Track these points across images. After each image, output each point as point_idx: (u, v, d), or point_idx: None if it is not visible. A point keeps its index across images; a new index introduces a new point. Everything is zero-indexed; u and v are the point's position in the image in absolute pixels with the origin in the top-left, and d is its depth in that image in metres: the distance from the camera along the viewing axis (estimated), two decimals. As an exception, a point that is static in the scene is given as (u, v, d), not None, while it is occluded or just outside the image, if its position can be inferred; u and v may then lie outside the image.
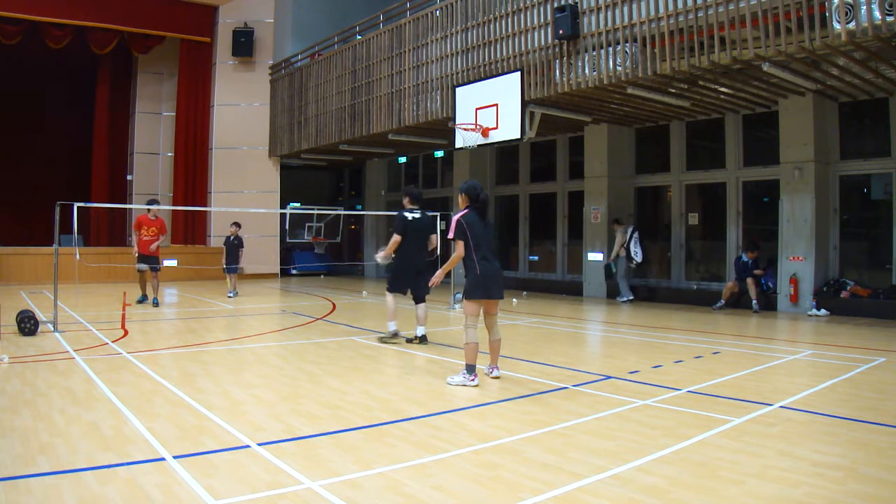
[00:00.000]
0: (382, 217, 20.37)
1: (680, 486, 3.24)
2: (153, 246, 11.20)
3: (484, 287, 5.45)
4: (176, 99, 19.27)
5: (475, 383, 5.34)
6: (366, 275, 21.16)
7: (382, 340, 7.62)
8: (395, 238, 7.35)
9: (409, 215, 7.43)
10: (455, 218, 5.52)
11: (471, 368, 5.39)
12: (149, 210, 11.36)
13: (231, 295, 13.21)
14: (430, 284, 6.22)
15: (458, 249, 5.52)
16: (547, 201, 15.80)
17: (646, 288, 13.41)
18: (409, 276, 7.50)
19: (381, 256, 7.59)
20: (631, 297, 12.86)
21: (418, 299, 7.57)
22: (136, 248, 11.28)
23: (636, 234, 12.93)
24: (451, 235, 5.52)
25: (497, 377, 5.60)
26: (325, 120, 16.44)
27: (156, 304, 11.35)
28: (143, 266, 11.29)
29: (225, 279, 13.86)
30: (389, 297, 7.57)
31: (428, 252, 7.62)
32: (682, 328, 9.14)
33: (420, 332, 7.52)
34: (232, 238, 13.45)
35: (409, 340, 7.54)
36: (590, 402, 4.93)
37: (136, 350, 6.91)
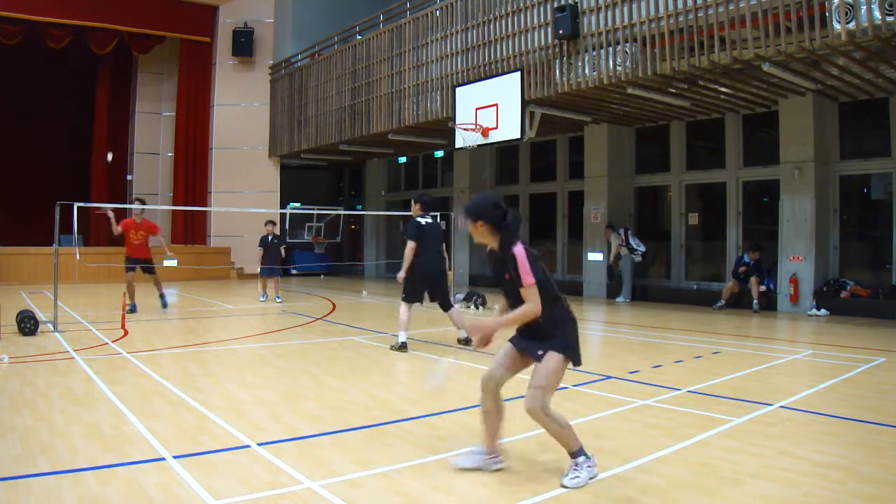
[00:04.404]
0: (382, 217, 20.37)
1: (680, 486, 3.24)
2: (138, 240, 10.23)
3: (578, 342, 3.51)
4: (176, 99, 19.27)
5: (595, 470, 3.38)
6: (366, 275, 21.16)
7: (392, 348, 7.19)
8: (410, 245, 7.08)
9: (422, 220, 7.19)
10: (521, 254, 3.32)
11: (581, 452, 3.36)
12: (133, 212, 10.54)
13: (263, 298, 12.51)
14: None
15: (535, 300, 3.33)
16: (547, 201, 15.80)
17: (646, 288, 13.41)
18: (426, 285, 7.24)
19: (402, 276, 7.19)
20: (629, 299, 12.87)
21: (445, 307, 7.33)
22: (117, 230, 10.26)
23: (629, 231, 13.03)
24: (530, 280, 3.29)
25: (500, 469, 3.53)
26: (325, 120, 16.45)
27: (165, 304, 10.68)
28: (132, 269, 10.29)
29: (260, 282, 12.94)
30: (403, 308, 7.15)
31: (442, 258, 7.36)
32: (682, 328, 9.14)
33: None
34: (270, 237, 12.38)
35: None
36: (590, 402, 4.93)
37: (136, 350, 6.91)
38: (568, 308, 3.50)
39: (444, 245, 7.39)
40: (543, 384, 3.33)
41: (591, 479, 3.33)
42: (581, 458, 3.35)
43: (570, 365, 3.43)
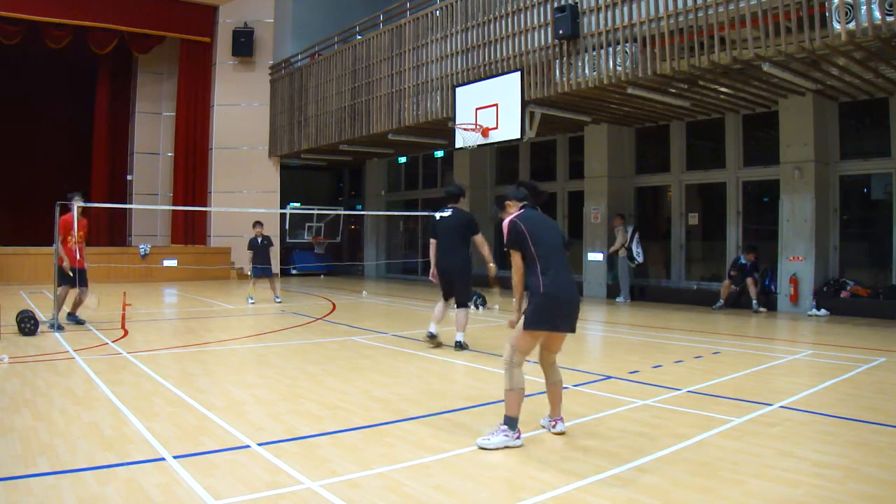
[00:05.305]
0: (382, 217, 20.37)
1: (680, 486, 3.24)
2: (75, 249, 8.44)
3: (550, 314, 3.90)
4: (176, 99, 19.28)
5: (519, 443, 3.81)
6: (366, 275, 21.16)
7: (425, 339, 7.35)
8: (431, 243, 7.03)
9: (437, 215, 7.02)
10: (503, 226, 4.16)
11: (512, 422, 3.82)
12: (73, 206, 8.23)
13: (251, 300, 12.09)
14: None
15: (514, 263, 4.04)
16: (547, 201, 15.77)
17: (646, 288, 13.41)
18: (443, 280, 7.11)
19: (432, 274, 7.18)
20: (629, 300, 12.86)
21: (459, 304, 7.14)
22: (67, 260, 8.29)
23: (637, 235, 12.96)
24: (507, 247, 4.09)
25: (562, 432, 4.10)
26: (325, 120, 16.44)
27: (60, 327, 8.18)
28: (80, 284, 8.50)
29: (250, 283, 12.41)
30: (439, 303, 7.21)
31: (463, 253, 7.08)
32: (682, 328, 9.14)
33: (458, 337, 7.10)
34: (260, 239, 12.18)
35: (457, 344, 7.13)
36: (590, 402, 4.92)
37: (136, 350, 6.91)
38: (546, 282, 3.87)
39: (465, 237, 7.03)
40: (512, 342, 3.95)
41: (504, 447, 3.75)
42: (504, 427, 3.83)
43: (537, 329, 3.88)
